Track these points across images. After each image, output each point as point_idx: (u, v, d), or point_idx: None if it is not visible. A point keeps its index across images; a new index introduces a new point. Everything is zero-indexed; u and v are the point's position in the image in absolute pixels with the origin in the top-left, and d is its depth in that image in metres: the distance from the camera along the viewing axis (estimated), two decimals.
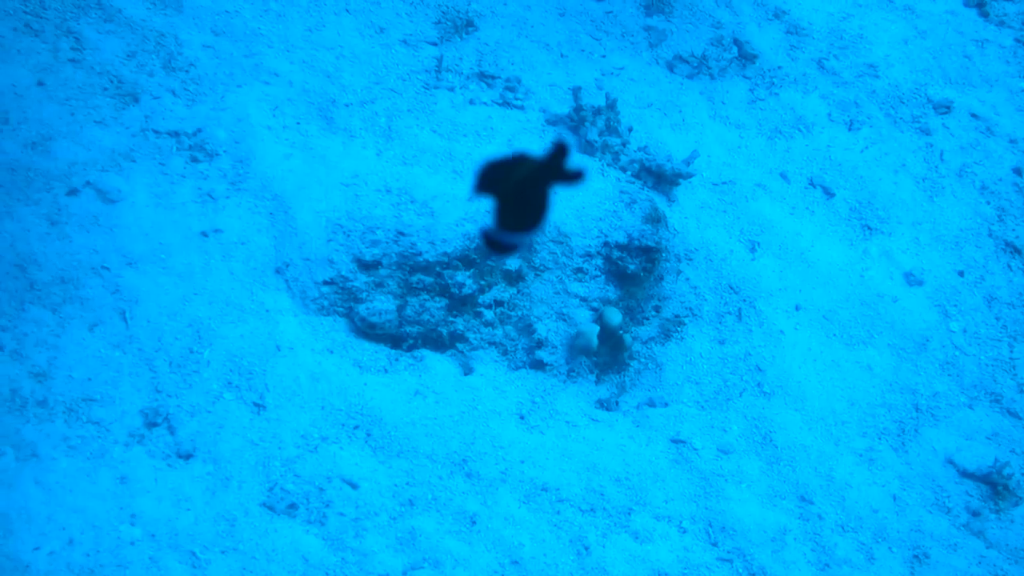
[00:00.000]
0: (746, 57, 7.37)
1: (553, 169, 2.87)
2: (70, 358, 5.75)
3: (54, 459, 5.47)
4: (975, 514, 5.93)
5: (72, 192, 6.21)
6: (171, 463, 5.58)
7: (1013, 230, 6.88)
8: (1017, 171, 7.03)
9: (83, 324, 5.86)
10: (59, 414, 5.60)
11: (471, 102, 6.88)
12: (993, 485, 5.97)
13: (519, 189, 2.90)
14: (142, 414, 5.68)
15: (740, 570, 5.69)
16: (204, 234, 6.21)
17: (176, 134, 6.49)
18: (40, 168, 6.23)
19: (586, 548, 5.65)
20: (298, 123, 6.64)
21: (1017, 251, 6.78)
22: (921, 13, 7.65)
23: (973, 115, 7.24)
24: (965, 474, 6.03)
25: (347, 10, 7.10)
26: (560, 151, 2.84)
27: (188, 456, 5.61)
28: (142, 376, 5.78)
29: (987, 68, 7.52)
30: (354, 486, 5.64)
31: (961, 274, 6.70)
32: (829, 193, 6.94)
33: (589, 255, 6.28)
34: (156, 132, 6.48)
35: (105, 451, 5.55)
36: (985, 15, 7.59)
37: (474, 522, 5.63)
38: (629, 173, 6.62)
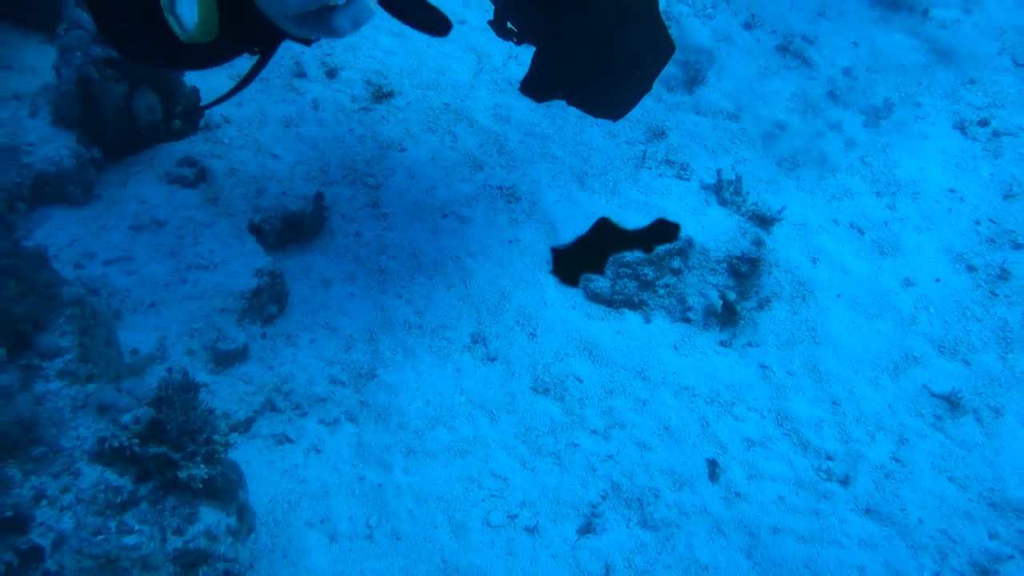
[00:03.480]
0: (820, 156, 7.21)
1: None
2: (435, 304, 6.04)
3: (423, 358, 5.78)
4: (938, 418, 5.80)
5: (444, 216, 6.50)
6: (484, 363, 5.82)
7: (969, 256, 6.61)
8: (976, 222, 6.73)
9: (444, 286, 6.14)
10: (427, 334, 5.90)
11: (660, 175, 6.92)
12: (951, 402, 5.82)
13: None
14: (471, 336, 5.94)
15: (795, 441, 5.63)
16: (510, 242, 6.43)
17: (500, 188, 6.71)
18: (428, 204, 6.55)
19: (707, 423, 5.69)
20: (566, 184, 6.77)
21: (972, 268, 6.54)
22: (928, 135, 7.38)
23: (951, 190, 6.99)
24: (934, 395, 5.88)
25: (596, 124, 7.21)
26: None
27: (493, 360, 5.83)
28: (472, 316, 6.03)
29: (962, 166, 7.20)
30: (580, 381, 5.77)
31: (937, 280, 6.52)
32: (861, 232, 6.79)
33: (719, 261, 6.29)
34: (490, 187, 6.72)
35: (450, 355, 5.83)
36: (964, 133, 7.33)
37: (644, 404, 5.73)
38: (745, 217, 6.60)
